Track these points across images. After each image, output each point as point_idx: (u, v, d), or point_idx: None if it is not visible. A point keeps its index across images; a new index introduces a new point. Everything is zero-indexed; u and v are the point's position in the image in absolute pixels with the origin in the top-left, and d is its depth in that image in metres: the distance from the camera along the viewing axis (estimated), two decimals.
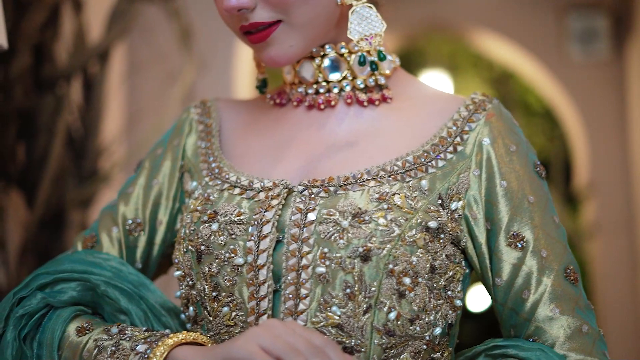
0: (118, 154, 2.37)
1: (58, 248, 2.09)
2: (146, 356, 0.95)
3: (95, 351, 0.99)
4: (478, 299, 6.42)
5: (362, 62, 1.08)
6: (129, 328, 1.02)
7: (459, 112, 1.08)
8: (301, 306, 0.98)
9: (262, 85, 1.19)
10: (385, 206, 0.99)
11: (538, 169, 1.08)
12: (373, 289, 0.97)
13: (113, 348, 0.99)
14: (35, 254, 2.07)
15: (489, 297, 1.07)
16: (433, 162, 1.04)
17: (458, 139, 1.06)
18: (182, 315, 1.10)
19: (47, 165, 2.03)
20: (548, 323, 1.01)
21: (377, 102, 1.10)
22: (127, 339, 0.99)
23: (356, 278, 0.97)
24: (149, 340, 0.97)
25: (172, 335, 0.98)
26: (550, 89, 5.08)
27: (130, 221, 1.14)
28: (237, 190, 1.06)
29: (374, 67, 1.09)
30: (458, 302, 1.04)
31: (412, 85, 1.14)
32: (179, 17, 2.36)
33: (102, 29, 2.29)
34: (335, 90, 1.10)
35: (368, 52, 1.09)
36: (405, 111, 1.10)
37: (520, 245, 1.03)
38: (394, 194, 1.00)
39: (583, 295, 1.05)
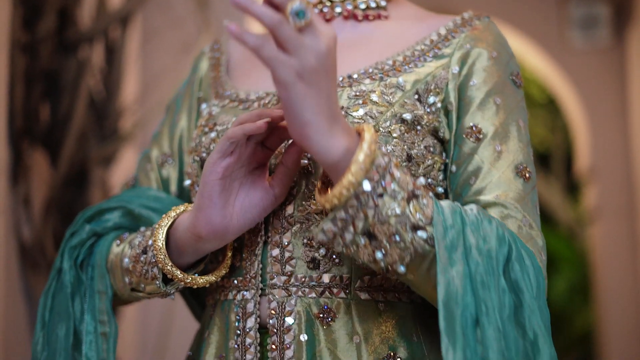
0: (137, 115, 2.45)
1: (81, 205, 2.17)
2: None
3: (130, 250, 1.10)
4: None
5: None
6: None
7: (446, 26, 1.13)
8: (288, 197, 1.05)
9: None
10: (361, 101, 1.05)
11: (514, 77, 1.11)
12: None
13: (140, 239, 1.09)
14: (59, 210, 2.14)
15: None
16: (411, 64, 1.09)
17: (440, 44, 1.11)
18: None
19: (70, 124, 2.11)
20: (489, 207, 1.03)
21: (371, 18, 1.16)
22: (150, 230, 1.09)
23: None
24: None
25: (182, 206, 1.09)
26: (552, 76, 5.14)
27: (160, 156, 1.24)
28: (235, 104, 1.15)
29: None
30: (440, 190, 1.07)
31: (411, 8, 1.20)
32: None
33: None
34: (338, 10, 1.17)
35: None
36: (397, 26, 1.15)
37: (476, 137, 1.06)
38: (370, 92, 1.05)
39: (532, 197, 1.06)
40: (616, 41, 4.92)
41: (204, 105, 1.21)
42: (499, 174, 1.04)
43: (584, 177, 5.24)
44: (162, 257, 1.04)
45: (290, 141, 1.03)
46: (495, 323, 0.91)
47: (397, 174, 0.93)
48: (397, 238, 0.92)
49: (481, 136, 1.06)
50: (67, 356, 1.11)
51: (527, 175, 1.05)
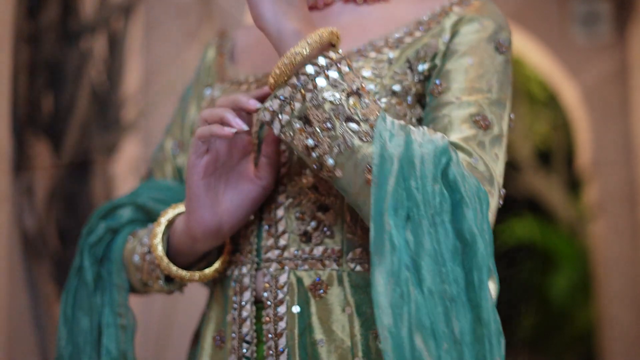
0: (139, 106, 2.46)
1: (84, 194, 2.18)
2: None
3: (139, 248, 1.14)
4: None
5: None
6: None
7: (442, 5, 1.13)
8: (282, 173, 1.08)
9: None
10: None
11: (497, 44, 1.09)
12: None
13: (146, 238, 1.13)
14: (61, 200, 2.16)
15: None
16: (403, 40, 1.10)
17: (434, 19, 1.11)
18: None
19: (73, 114, 2.12)
20: None
21: (370, 1, 1.16)
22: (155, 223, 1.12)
23: None
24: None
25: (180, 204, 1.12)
26: (553, 72, 5.14)
27: (173, 144, 1.27)
28: (235, 86, 1.17)
29: None
30: None
31: None
32: None
33: None
34: None
35: None
36: (396, 8, 1.16)
37: (438, 91, 1.06)
38: (361, 68, 1.07)
39: (491, 146, 1.03)
40: (618, 38, 4.92)
41: (208, 91, 1.24)
42: (457, 121, 1.03)
43: (585, 174, 5.25)
44: (164, 264, 1.08)
45: (268, 132, 1.05)
46: (428, 219, 0.90)
47: (345, 69, 0.96)
48: (329, 125, 0.94)
49: (442, 89, 1.06)
50: (92, 349, 1.14)
51: (486, 125, 1.03)
